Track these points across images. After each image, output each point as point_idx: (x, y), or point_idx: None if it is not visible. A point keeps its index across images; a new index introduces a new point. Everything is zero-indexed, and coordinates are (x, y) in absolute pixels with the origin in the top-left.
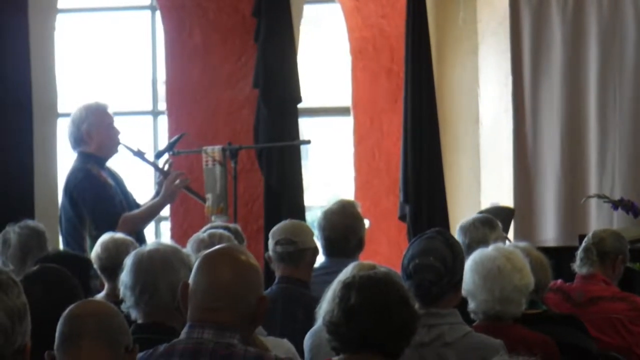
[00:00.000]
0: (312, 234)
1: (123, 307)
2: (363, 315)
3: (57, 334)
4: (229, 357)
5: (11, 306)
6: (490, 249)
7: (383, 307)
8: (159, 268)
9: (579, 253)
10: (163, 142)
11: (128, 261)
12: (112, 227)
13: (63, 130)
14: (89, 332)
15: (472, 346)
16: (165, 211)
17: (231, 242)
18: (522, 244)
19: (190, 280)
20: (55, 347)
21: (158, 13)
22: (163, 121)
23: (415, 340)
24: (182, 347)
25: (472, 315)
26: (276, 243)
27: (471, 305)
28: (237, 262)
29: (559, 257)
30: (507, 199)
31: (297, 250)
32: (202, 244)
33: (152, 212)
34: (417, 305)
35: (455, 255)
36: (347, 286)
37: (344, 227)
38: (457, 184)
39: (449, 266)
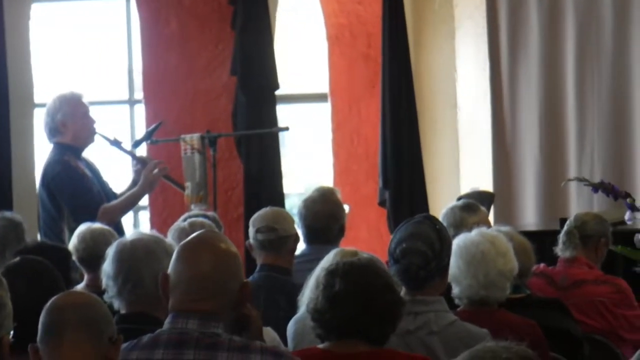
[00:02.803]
0: (292, 221)
1: (105, 297)
2: (347, 302)
3: (39, 326)
4: (214, 346)
5: None
6: (473, 234)
7: (367, 293)
8: (142, 257)
9: (562, 236)
10: (140, 131)
11: (110, 251)
12: (92, 219)
13: (40, 120)
14: (71, 324)
15: (458, 335)
16: (144, 201)
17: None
18: (505, 228)
19: (170, 270)
20: (38, 339)
21: (133, 1)
22: (140, 110)
23: (401, 327)
24: (167, 337)
25: (456, 301)
26: (257, 231)
27: (455, 290)
28: (217, 251)
29: (540, 241)
30: (486, 184)
31: (278, 238)
32: (184, 233)
33: (131, 202)
34: (403, 291)
35: (442, 240)
36: (331, 273)
37: (325, 214)
38: (436, 169)
39: (437, 251)
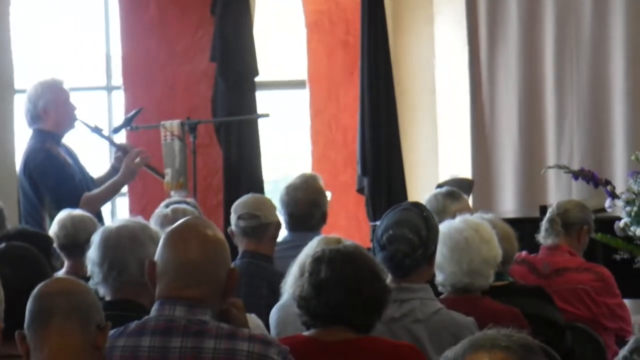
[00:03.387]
0: (274, 208)
1: (90, 284)
2: (333, 289)
3: (27, 313)
4: (201, 333)
5: None
6: (457, 221)
7: (353, 280)
8: (127, 244)
9: (544, 224)
10: (118, 118)
11: (95, 237)
12: (74, 208)
13: (20, 106)
14: (59, 311)
15: (443, 323)
16: (123, 188)
17: (196, 216)
18: (489, 215)
19: (157, 257)
20: (25, 326)
21: None
22: (117, 96)
23: (386, 315)
24: (154, 324)
25: (439, 288)
26: (239, 217)
27: (439, 277)
28: (204, 238)
29: (520, 228)
30: (465, 170)
31: (260, 225)
32: (166, 220)
33: (112, 190)
34: (389, 278)
35: (429, 228)
36: (317, 260)
37: (307, 201)
38: (414, 156)
39: (423, 238)
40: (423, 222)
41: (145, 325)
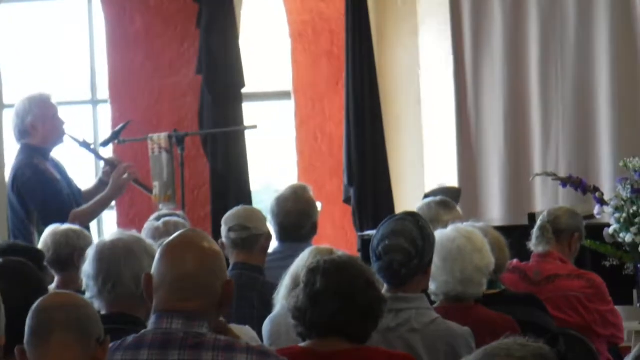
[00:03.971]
0: (264, 219)
1: (86, 297)
2: (329, 299)
3: (26, 328)
4: (199, 346)
5: None
6: (449, 230)
7: (349, 291)
8: (122, 257)
9: (535, 231)
10: (104, 131)
11: (90, 251)
12: (63, 223)
13: (8, 121)
14: (58, 326)
15: (439, 333)
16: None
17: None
18: (480, 223)
19: (154, 270)
20: (25, 341)
21: (96, 0)
22: (103, 110)
23: (382, 324)
24: (151, 337)
25: (432, 297)
26: (230, 229)
27: (432, 286)
28: (200, 250)
29: (509, 236)
30: (451, 179)
31: (251, 236)
32: (157, 232)
33: (101, 206)
34: (385, 288)
35: (425, 237)
36: (312, 271)
37: (297, 212)
38: (401, 166)
39: (419, 248)
40: (419, 232)
41: (143, 338)
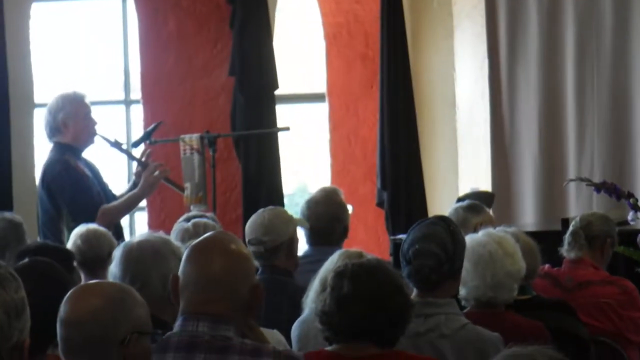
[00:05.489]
0: (288, 223)
1: None
2: (356, 304)
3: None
4: (225, 349)
5: (8, 301)
6: (480, 234)
7: (376, 295)
8: (149, 259)
9: (567, 237)
10: (136, 132)
11: (117, 252)
12: (91, 220)
13: (39, 120)
14: (74, 345)
15: (468, 339)
16: (142, 202)
17: (220, 230)
18: (512, 228)
19: (180, 272)
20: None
21: (130, 1)
22: (136, 110)
23: (411, 329)
24: (177, 340)
25: (463, 302)
26: (248, 242)
27: (462, 291)
28: (227, 252)
29: (542, 241)
30: (485, 184)
31: (267, 250)
32: (187, 234)
33: (130, 204)
34: (414, 293)
35: (456, 242)
36: (339, 275)
37: (328, 216)
38: (434, 169)
39: (449, 253)
40: (450, 236)
41: (169, 341)
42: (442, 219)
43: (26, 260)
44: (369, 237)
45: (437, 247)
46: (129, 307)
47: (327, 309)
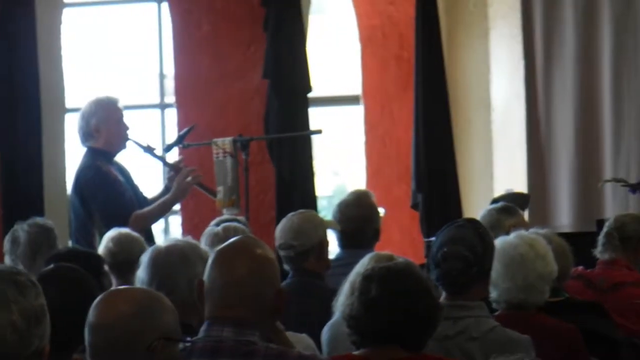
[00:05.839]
0: (316, 227)
1: None
2: (384, 308)
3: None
4: (249, 354)
5: (28, 307)
6: (512, 237)
7: (404, 299)
8: (176, 263)
9: (601, 238)
10: (171, 136)
11: (145, 257)
12: (123, 225)
13: (71, 125)
14: (100, 351)
15: (498, 341)
16: (175, 206)
17: (246, 235)
18: (544, 230)
19: (206, 277)
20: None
21: (164, 5)
22: (171, 114)
23: (440, 332)
24: (201, 345)
25: (494, 305)
26: (278, 247)
27: (493, 294)
28: (252, 257)
29: (576, 242)
30: (520, 185)
31: (296, 254)
32: (217, 238)
33: (163, 209)
34: (443, 296)
35: (485, 245)
36: (367, 278)
37: (359, 218)
38: (469, 171)
39: (479, 255)
40: (478, 239)
41: (193, 346)
42: (470, 221)
43: (51, 266)
44: (403, 239)
45: (465, 250)
46: (157, 314)
47: (355, 313)
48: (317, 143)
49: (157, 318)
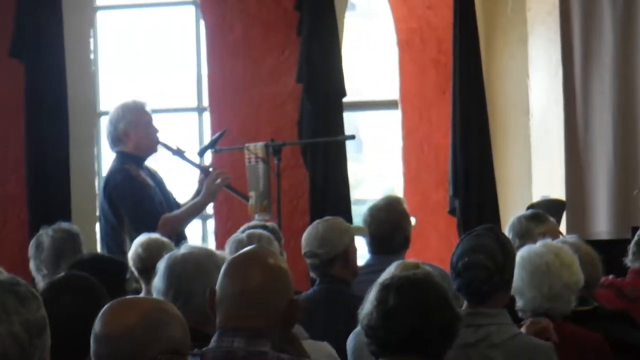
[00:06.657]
0: (342, 235)
1: None
2: (402, 317)
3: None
4: None
5: (30, 319)
6: (538, 245)
7: (422, 308)
8: (192, 272)
9: (632, 247)
10: (208, 139)
11: (161, 265)
12: (152, 229)
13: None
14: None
15: (520, 348)
16: (210, 209)
17: (270, 243)
18: (572, 238)
19: (218, 286)
20: None
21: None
22: (208, 118)
23: (461, 340)
24: (212, 356)
25: (520, 314)
26: (303, 255)
27: (519, 303)
28: (264, 266)
29: (612, 250)
30: (558, 191)
31: (321, 263)
32: (241, 245)
33: (192, 212)
34: (465, 305)
35: (506, 253)
36: (385, 288)
37: (389, 223)
38: (507, 177)
39: (500, 264)
40: (499, 247)
41: (204, 357)
42: (490, 229)
43: (62, 274)
44: (440, 245)
45: (486, 259)
46: (163, 326)
47: (373, 322)
48: (358, 148)
49: (163, 330)
